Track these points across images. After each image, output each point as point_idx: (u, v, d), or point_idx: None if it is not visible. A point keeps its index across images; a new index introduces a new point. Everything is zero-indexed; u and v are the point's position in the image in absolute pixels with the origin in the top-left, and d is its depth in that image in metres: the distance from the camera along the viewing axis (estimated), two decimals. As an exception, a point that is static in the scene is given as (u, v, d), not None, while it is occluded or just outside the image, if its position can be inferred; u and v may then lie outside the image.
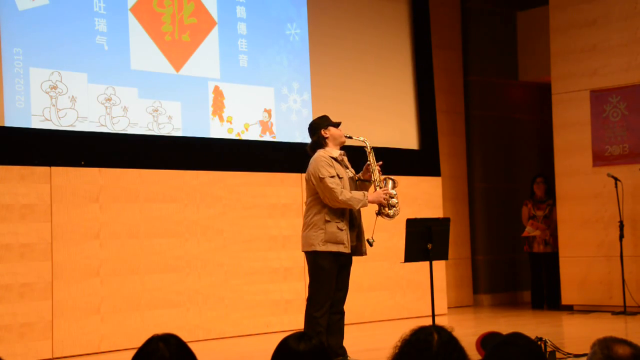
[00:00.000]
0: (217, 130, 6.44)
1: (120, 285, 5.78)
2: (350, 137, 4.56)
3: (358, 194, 4.46)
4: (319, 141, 4.58)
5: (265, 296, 6.49)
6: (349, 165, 4.63)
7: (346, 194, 4.43)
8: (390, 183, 4.61)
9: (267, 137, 6.73)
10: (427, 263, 4.94)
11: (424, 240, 4.79)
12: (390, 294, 7.24)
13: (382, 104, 7.47)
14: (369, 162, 4.57)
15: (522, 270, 8.53)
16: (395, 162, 7.39)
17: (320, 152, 4.52)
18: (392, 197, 4.57)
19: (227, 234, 6.36)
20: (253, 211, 6.51)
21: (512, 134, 8.84)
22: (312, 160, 4.55)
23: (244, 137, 6.59)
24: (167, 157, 6.14)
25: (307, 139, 6.74)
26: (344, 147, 4.69)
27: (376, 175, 4.55)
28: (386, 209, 4.56)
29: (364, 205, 4.45)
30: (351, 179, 4.54)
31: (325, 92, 7.10)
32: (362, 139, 4.56)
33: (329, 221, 4.41)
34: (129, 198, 5.87)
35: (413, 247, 4.78)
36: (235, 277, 6.36)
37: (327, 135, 4.55)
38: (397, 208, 4.59)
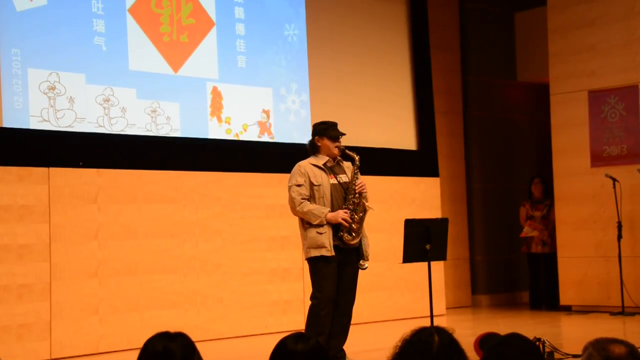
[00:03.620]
0: (215, 130, 6.44)
1: (118, 286, 5.77)
2: (343, 151, 4.55)
3: (318, 210, 4.44)
4: (313, 145, 4.65)
5: (264, 297, 6.48)
6: (346, 170, 4.61)
7: (306, 206, 4.44)
8: (362, 208, 4.52)
9: (265, 138, 6.74)
10: (425, 263, 4.96)
11: (422, 241, 4.80)
12: (389, 295, 7.25)
13: (381, 105, 7.48)
14: (353, 174, 4.56)
15: (521, 271, 8.53)
16: (394, 162, 7.47)
17: (302, 162, 4.59)
18: (355, 223, 4.47)
19: (226, 234, 6.36)
20: (251, 212, 6.52)
21: (510, 135, 8.84)
22: None
23: (243, 137, 6.59)
24: (165, 158, 6.14)
25: (305, 140, 6.71)
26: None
27: (351, 193, 4.52)
28: (345, 233, 4.48)
29: (322, 222, 4.42)
30: (340, 184, 4.53)
31: (324, 92, 7.10)
32: (354, 154, 4.54)
33: (308, 227, 4.46)
34: (127, 199, 5.87)
35: (411, 247, 4.80)
36: (234, 277, 6.36)
37: (319, 144, 4.61)
38: (357, 237, 4.49)
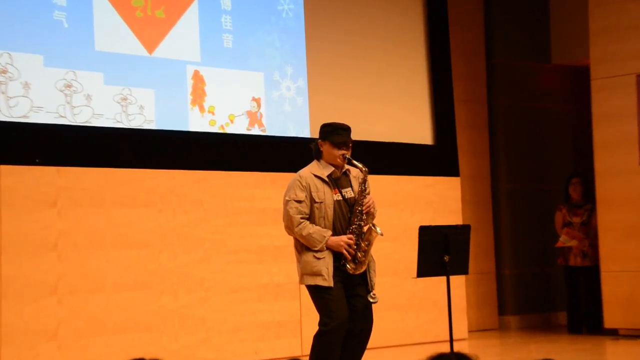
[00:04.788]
0: (197, 122, 6.46)
1: (81, 306, 5.74)
2: (349, 161, 4.49)
3: (319, 234, 4.41)
4: (316, 150, 4.61)
5: (254, 317, 6.49)
6: (353, 182, 4.58)
7: (306, 228, 4.41)
8: (369, 233, 4.44)
9: (255, 131, 6.75)
10: (443, 278, 4.95)
11: (439, 251, 4.82)
12: (401, 315, 7.27)
13: (391, 93, 7.54)
14: (359, 192, 4.51)
15: (557, 287, 8.52)
16: (406, 159, 7.49)
17: (303, 171, 4.55)
18: (360, 251, 4.43)
19: (209, 244, 6.38)
20: (240, 217, 6.54)
21: (544, 127, 8.83)
22: None
23: (229, 130, 6.61)
24: (138, 154, 6.16)
25: (303, 133, 6.69)
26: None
27: (356, 215, 4.47)
28: (348, 262, 4.44)
29: (322, 248, 4.40)
30: (346, 201, 4.51)
31: (324, 77, 7.13)
32: (361, 166, 4.48)
33: (304, 250, 4.44)
34: (92, 202, 5.87)
35: (427, 259, 4.82)
36: (218, 295, 6.38)
37: (322, 149, 4.57)
38: (361, 267, 4.46)
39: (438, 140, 7.71)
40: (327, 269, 4.38)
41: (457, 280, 7.18)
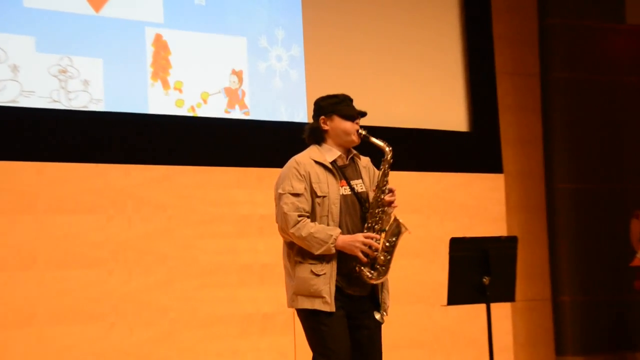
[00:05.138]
0: (159, 102, 6.43)
1: (5, 342, 5.69)
2: (367, 137, 4.50)
3: (324, 232, 4.37)
4: (316, 131, 4.58)
5: (234, 358, 6.46)
6: (363, 173, 4.61)
7: (306, 227, 4.38)
8: (395, 226, 4.45)
9: (236, 113, 6.73)
10: (482, 307, 4.94)
11: (477, 272, 4.83)
12: (428, 354, 7.22)
13: (412, 62, 7.54)
14: (381, 177, 4.50)
15: (634, 319, 8.48)
16: (433, 151, 7.48)
17: (299, 156, 4.53)
18: (381, 252, 4.43)
19: (175, 262, 6.38)
20: (215, 227, 6.53)
21: (616, 107, 8.69)
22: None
23: (201, 113, 6.60)
24: (80, 144, 6.13)
25: (298, 116, 6.83)
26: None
27: (376, 206, 4.46)
28: (365, 268, 4.42)
29: (328, 251, 4.35)
30: (356, 195, 4.53)
31: (326, 44, 7.12)
32: (384, 144, 4.48)
33: (299, 262, 4.43)
34: (20, 207, 5.86)
35: (461, 281, 4.81)
36: (187, 329, 6.36)
37: (326, 128, 4.53)
38: (384, 274, 4.44)
39: (475, 125, 7.70)
40: (329, 288, 4.35)
41: (501, 310, 7.18)
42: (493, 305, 4.98)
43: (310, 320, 4.39)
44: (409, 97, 7.48)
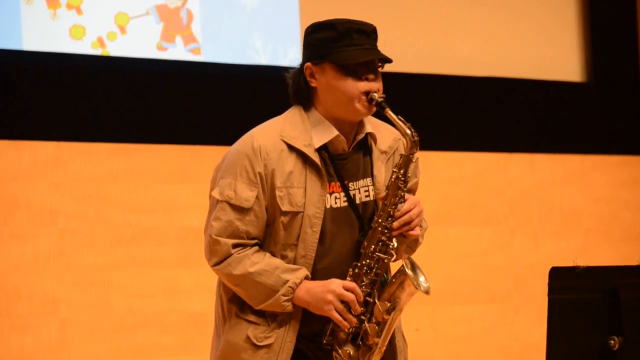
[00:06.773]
0: (42, 32, 5.78)
1: None
2: (383, 107, 3.62)
3: (274, 275, 3.63)
4: (298, 87, 3.71)
5: None
6: (380, 169, 3.82)
7: (244, 262, 3.64)
8: (403, 276, 3.69)
9: (179, 51, 5.94)
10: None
11: (597, 324, 3.96)
12: None
13: None
14: (393, 185, 3.75)
15: None
16: (532, 110, 6.85)
17: (262, 129, 3.69)
18: (371, 319, 3.70)
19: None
20: (138, 246, 5.91)
21: None
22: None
23: (116, 50, 5.83)
24: None
25: (282, 58, 6.25)
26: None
27: (380, 231, 3.67)
28: (343, 345, 3.67)
29: (277, 307, 3.58)
30: (354, 209, 3.75)
31: None
32: (406, 127, 3.63)
33: (236, 314, 3.70)
34: None
35: (568, 339, 3.91)
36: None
37: (314, 84, 3.66)
38: (375, 351, 3.67)
39: (597, 76, 6.95)
40: None
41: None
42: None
43: None
44: (494, 32, 6.58)
